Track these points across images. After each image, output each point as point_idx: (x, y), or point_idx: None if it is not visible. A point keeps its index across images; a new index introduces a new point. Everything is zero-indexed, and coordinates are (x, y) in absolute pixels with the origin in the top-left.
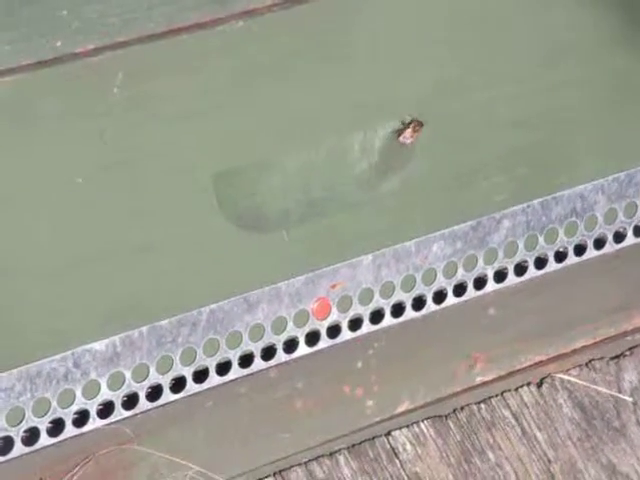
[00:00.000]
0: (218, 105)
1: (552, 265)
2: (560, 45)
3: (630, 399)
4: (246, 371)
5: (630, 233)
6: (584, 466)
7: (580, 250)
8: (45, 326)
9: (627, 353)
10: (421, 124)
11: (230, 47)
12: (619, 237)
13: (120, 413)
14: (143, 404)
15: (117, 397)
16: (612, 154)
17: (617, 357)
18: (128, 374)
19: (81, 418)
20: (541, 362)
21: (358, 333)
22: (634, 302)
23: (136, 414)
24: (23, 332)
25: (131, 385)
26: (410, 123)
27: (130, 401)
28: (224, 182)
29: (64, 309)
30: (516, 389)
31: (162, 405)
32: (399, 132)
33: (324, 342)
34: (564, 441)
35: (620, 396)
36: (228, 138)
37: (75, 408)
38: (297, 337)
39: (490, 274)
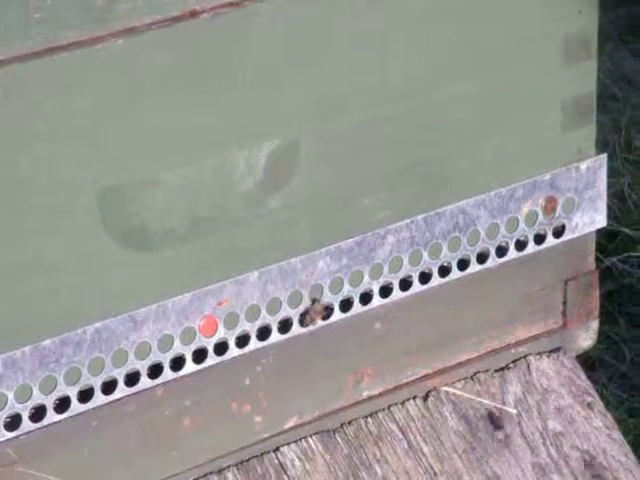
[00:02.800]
0: (100, 123)
1: (436, 279)
2: (442, 61)
3: (514, 411)
4: (132, 390)
5: (512, 247)
6: (469, 478)
7: (463, 265)
8: None
9: (511, 365)
10: (319, 301)
11: (111, 65)
12: (501, 251)
13: (2, 435)
14: (26, 425)
15: None
16: (494, 170)
17: (501, 370)
18: (10, 395)
19: None
20: (427, 375)
21: (245, 350)
22: (517, 315)
23: (19, 435)
24: None
25: (14, 406)
26: (309, 310)
27: (13, 422)
28: (108, 200)
29: None
30: (402, 403)
31: (46, 426)
32: (302, 318)
33: (211, 359)
34: (450, 454)
35: (504, 408)
36: (111, 156)
37: None
38: (184, 355)
39: (376, 289)
